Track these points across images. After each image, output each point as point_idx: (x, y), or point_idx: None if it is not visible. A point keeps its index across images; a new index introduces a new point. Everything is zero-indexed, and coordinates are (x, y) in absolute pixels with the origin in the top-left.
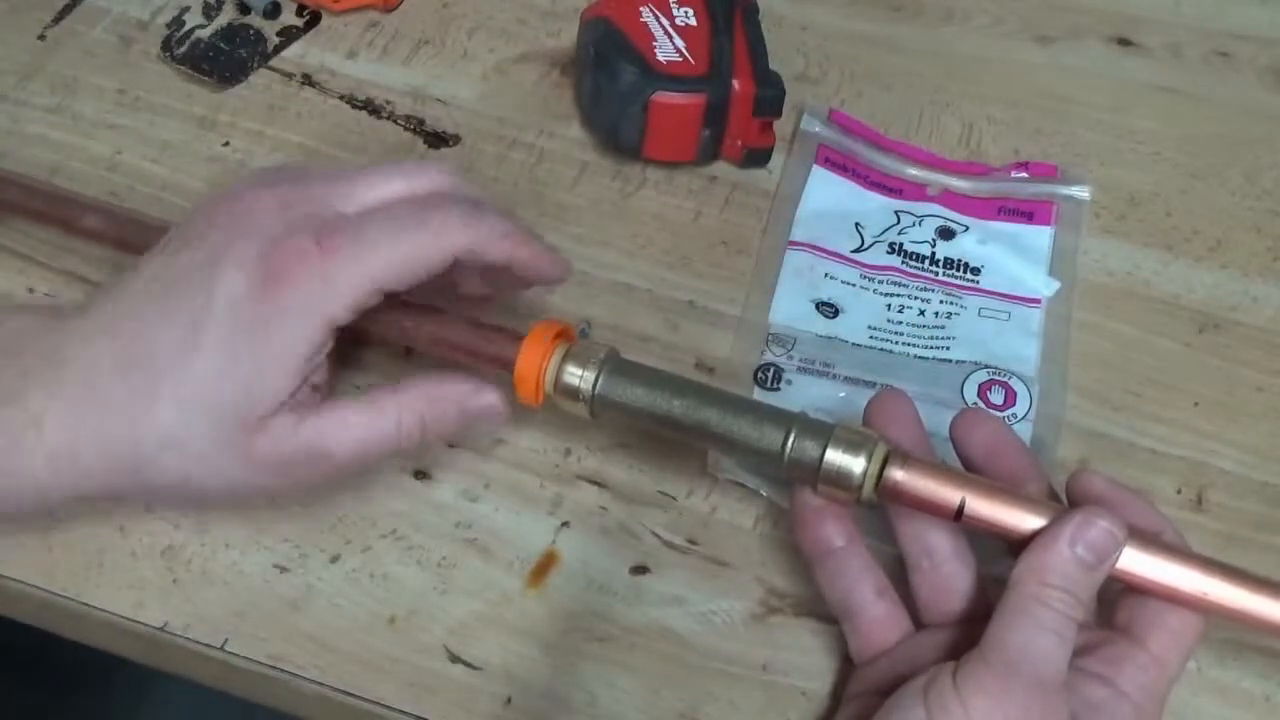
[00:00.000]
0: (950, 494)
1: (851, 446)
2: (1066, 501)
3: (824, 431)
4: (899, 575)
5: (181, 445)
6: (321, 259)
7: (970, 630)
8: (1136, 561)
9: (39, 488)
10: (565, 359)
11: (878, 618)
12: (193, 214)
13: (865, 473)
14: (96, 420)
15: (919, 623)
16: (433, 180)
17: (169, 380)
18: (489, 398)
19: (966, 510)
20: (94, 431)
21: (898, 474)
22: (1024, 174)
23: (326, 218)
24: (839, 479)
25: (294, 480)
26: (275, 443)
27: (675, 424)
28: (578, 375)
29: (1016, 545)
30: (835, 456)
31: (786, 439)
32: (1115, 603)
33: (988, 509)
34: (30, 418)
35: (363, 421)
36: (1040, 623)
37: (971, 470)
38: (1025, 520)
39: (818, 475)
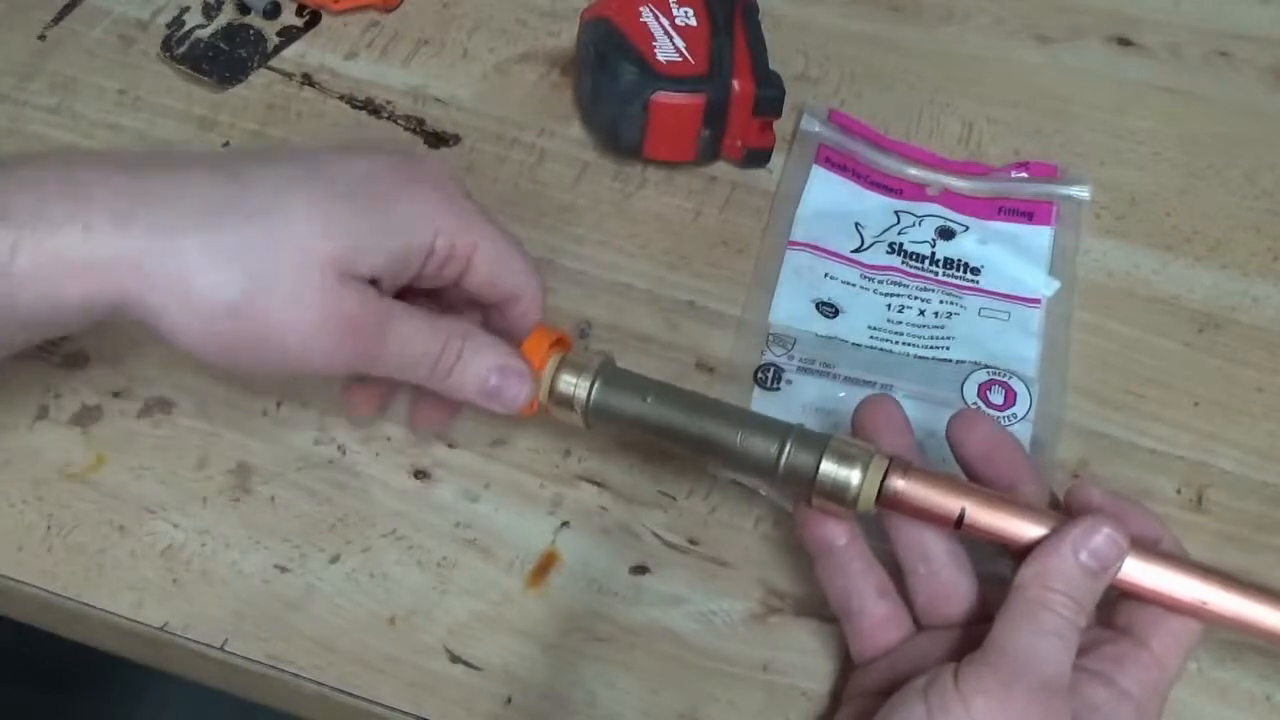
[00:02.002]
0: (950, 503)
1: (847, 459)
2: (1066, 513)
3: (819, 443)
4: (900, 574)
5: (259, 272)
6: (460, 198)
7: (971, 633)
8: (1136, 570)
9: (55, 279)
10: (560, 367)
11: (879, 618)
12: None
13: (861, 485)
14: (172, 202)
15: (919, 624)
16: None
17: (272, 213)
18: (518, 387)
19: (966, 519)
20: (160, 211)
21: (898, 483)
22: (1024, 174)
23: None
24: (834, 492)
25: (347, 349)
26: (360, 299)
27: (669, 435)
28: (572, 384)
29: (1017, 553)
30: (830, 469)
31: (781, 451)
32: (1115, 604)
33: (987, 517)
34: (72, 195)
35: (419, 323)
36: (1043, 626)
37: (968, 471)
38: (1025, 529)
39: (813, 488)
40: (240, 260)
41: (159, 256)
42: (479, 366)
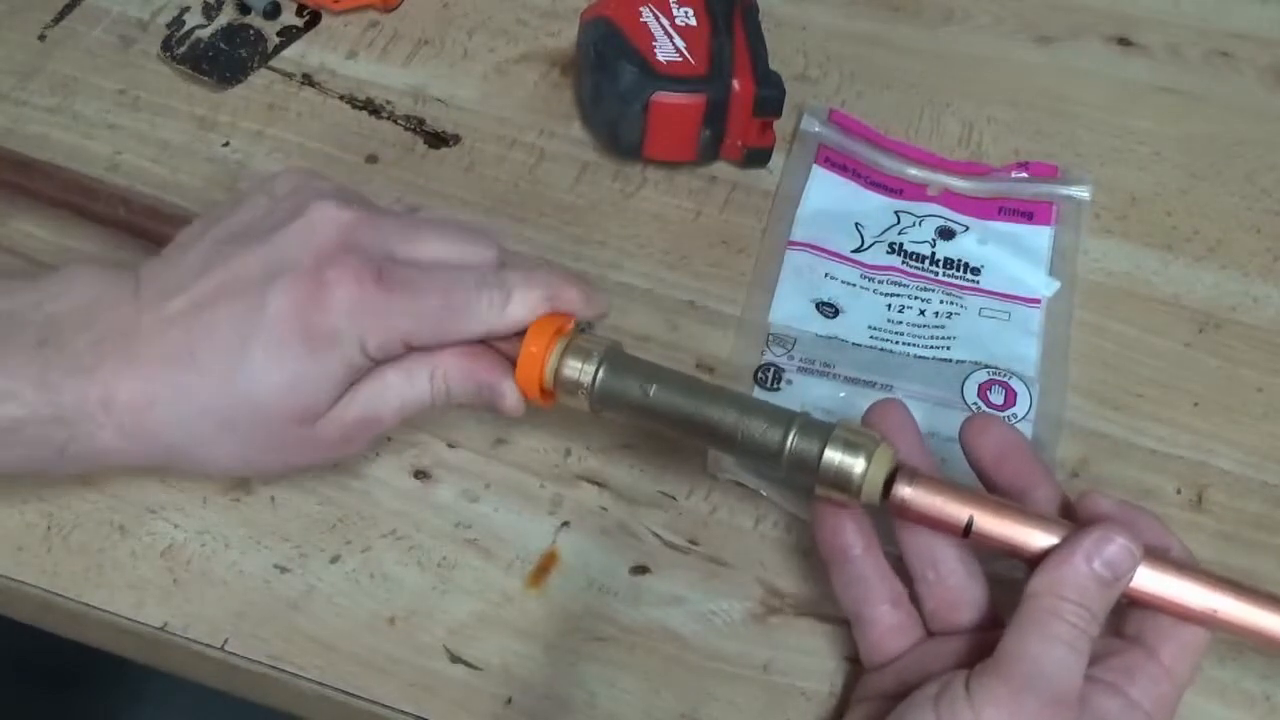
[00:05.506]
0: (958, 511)
1: (851, 447)
2: (1075, 521)
3: (824, 430)
4: (910, 578)
5: (237, 437)
6: (374, 292)
7: (981, 639)
8: (1148, 579)
9: (98, 458)
10: (565, 352)
11: (891, 626)
12: (255, 194)
13: (865, 474)
14: (166, 403)
15: (929, 629)
16: (485, 256)
17: (227, 380)
18: (509, 399)
19: (975, 527)
20: (162, 412)
21: (905, 491)
22: (1024, 174)
23: (390, 254)
24: (838, 479)
25: (348, 449)
26: (336, 423)
27: (674, 419)
28: (578, 369)
29: (1027, 561)
30: (835, 456)
31: (786, 437)
32: (1124, 612)
33: (996, 526)
34: (103, 393)
35: (401, 384)
36: (1055, 636)
37: (980, 475)
38: (1034, 537)
39: (817, 475)
40: (230, 447)
41: (173, 456)
42: (464, 387)
